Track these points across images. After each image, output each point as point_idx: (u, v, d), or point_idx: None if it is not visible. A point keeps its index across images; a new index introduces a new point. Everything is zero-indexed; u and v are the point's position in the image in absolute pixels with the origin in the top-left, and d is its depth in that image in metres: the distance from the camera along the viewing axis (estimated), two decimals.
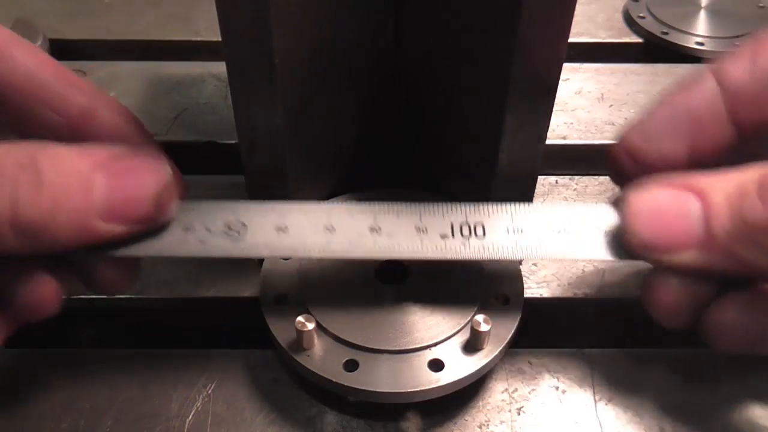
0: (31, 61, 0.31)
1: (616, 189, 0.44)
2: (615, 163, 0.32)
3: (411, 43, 0.38)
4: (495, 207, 0.32)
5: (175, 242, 0.30)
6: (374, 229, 0.31)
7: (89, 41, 0.58)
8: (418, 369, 0.30)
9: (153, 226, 0.29)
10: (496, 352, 0.31)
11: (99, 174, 0.27)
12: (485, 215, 0.31)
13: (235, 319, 0.37)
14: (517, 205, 0.32)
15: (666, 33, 0.58)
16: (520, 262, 0.36)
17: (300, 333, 0.30)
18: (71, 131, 0.31)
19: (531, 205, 0.32)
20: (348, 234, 0.30)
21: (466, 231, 0.31)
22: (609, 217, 0.31)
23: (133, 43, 0.58)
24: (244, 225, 0.31)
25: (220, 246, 0.30)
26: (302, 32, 0.32)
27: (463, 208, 0.31)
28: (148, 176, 0.28)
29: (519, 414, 0.32)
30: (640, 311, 0.31)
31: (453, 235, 0.31)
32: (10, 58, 0.30)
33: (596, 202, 0.32)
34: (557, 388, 0.33)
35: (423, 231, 0.31)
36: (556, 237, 0.31)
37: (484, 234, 0.31)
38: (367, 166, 0.42)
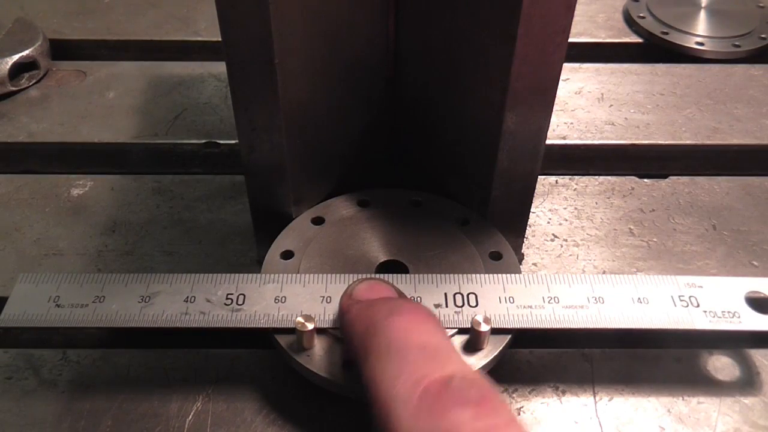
0: None
1: (617, 189, 0.44)
2: None
3: (411, 42, 0.38)
4: (487, 277, 0.33)
5: (177, 313, 0.31)
6: None
7: (89, 41, 0.58)
8: None
9: None
10: (496, 352, 0.31)
11: None
12: (477, 285, 0.32)
13: None
14: (508, 275, 0.33)
15: (666, 33, 0.58)
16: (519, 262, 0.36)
17: (300, 333, 0.30)
18: None
19: (522, 276, 0.33)
20: None
21: (459, 300, 0.32)
22: (603, 288, 0.32)
23: (133, 43, 0.58)
24: (243, 296, 0.32)
25: (219, 316, 0.31)
26: (302, 32, 0.32)
27: (456, 278, 0.33)
28: None
29: (519, 414, 0.32)
30: None
31: (446, 304, 0.32)
32: None
33: (585, 273, 0.32)
34: (557, 388, 0.33)
35: (417, 300, 0.32)
36: (546, 305, 0.32)
37: (476, 303, 0.32)
38: (367, 166, 0.42)
